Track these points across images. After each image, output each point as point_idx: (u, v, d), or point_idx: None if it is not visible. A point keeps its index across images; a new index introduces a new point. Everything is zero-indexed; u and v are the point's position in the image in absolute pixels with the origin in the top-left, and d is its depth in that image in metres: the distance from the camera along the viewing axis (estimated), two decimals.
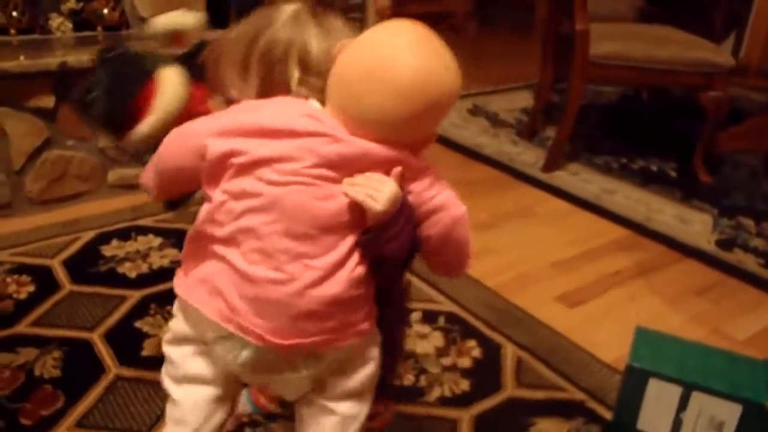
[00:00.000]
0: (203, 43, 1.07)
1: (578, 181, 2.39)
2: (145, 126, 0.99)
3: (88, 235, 1.80)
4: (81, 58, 1.87)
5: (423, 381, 1.35)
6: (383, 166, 0.82)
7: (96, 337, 1.40)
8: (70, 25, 2.13)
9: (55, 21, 2.11)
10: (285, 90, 0.88)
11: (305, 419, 0.92)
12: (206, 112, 0.94)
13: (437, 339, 1.48)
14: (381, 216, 0.80)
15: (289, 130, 0.80)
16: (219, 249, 0.81)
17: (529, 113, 2.94)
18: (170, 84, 1.00)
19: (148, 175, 0.92)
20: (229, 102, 0.92)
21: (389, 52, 0.81)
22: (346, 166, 0.81)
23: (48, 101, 1.87)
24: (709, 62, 2.28)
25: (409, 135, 0.83)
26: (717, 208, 2.22)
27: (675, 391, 1.16)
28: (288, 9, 0.92)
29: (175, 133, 0.88)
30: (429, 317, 1.55)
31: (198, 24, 1.25)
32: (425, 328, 1.51)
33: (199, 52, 1.05)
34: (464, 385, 1.35)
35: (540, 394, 1.34)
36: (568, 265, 1.87)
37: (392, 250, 0.82)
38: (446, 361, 1.41)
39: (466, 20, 4.83)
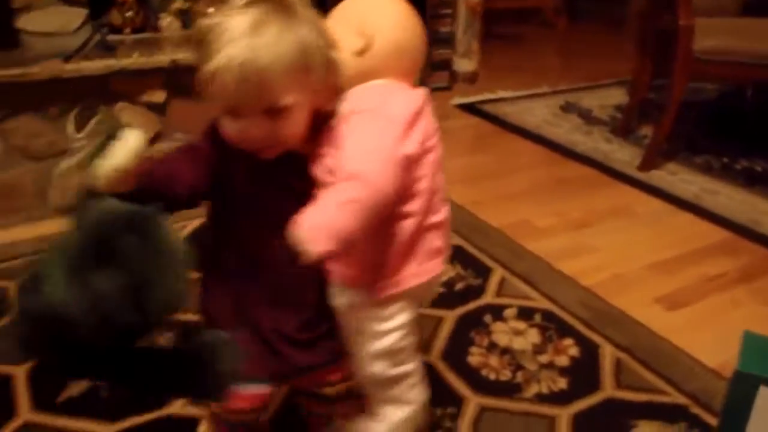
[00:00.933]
0: None
1: (677, 180, 2.32)
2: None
3: (196, 223, 1.89)
4: (189, 55, 1.96)
5: (519, 377, 1.36)
6: None
7: None
8: (179, 24, 2.24)
9: (165, 20, 2.23)
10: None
11: None
12: None
13: (534, 336, 1.48)
14: None
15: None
16: (436, 233, 0.93)
17: (623, 110, 2.87)
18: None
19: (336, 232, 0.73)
20: None
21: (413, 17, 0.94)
22: None
23: (159, 96, 1.98)
24: None
25: None
26: None
27: None
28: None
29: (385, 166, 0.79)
30: (524, 314, 1.55)
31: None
32: (521, 325, 1.52)
33: None
34: (562, 383, 1.35)
35: (641, 397, 1.32)
36: (667, 267, 1.82)
37: None
38: (543, 358, 1.41)
39: (556, 15, 4.75)
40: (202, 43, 0.78)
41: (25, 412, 1.23)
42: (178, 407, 1.24)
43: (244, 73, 0.75)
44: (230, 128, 0.82)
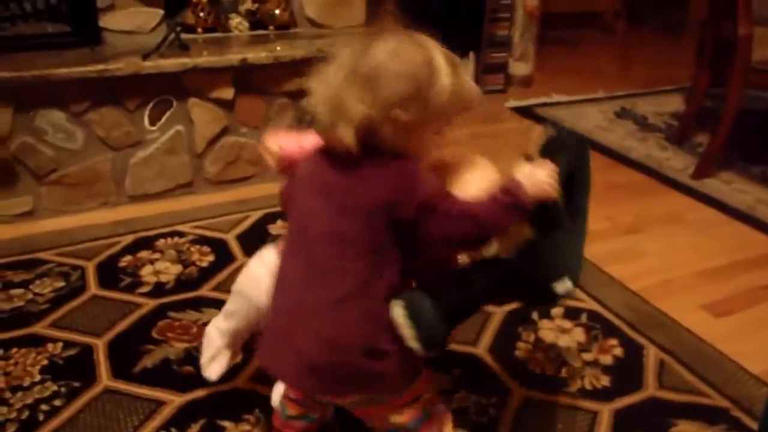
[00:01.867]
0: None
1: (731, 190, 2.32)
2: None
3: (257, 215, 2.00)
4: (259, 54, 2.07)
5: (564, 372, 1.41)
6: None
7: None
8: (247, 24, 2.35)
9: (234, 20, 2.34)
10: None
11: None
12: None
13: (579, 334, 1.53)
14: None
15: None
16: None
17: (679, 118, 2.86)
18: None
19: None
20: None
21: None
22: None
23: (228, 93, 2.09)
24: None
25: None
26: None
27: None
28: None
29: None
30: (571, 313, 1.60)
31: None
32: (567, 323, 1.56)
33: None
34: (605, 380, 1.39)
35: (682, 397, 1.35)
36: (716, 275, 1.84)
37: None
38: (588, 356, 1.46)
39: (615, 19, 4.73)
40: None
41: (105, 379, 1.34)
42: (243, 382, 1.34)
43: None
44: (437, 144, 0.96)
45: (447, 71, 0.89)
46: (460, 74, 0.92)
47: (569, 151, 0.98)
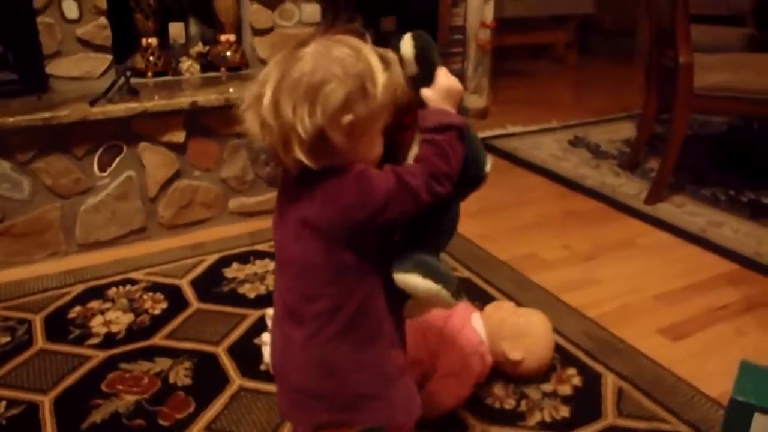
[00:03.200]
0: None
1: (683, 213, 2.36)
2: None
3: (212, 258, 1.97)
4: (209, 97, 2.06)
5: (523, 406, 1.40)
6: None
7: (221, 351, 1.54)
8: (198, 67, 2.35)
9: (185, 63, 2.34)
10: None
11: None
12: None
13: None
14: None
15: None
16: None
17: (631, 144, 2.92)
18: None
19: None
20: None
21: None
22: None
23: (179, 136, 2.07)
24: None
25: None
26: None
27: None
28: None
29: None
30: None
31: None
32: None
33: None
34: (564, 411, 1.38)
35: (642, 425, 1.35)
36: (672, 298, 1.86)
37: None
38: (546, 387, 1.45)
39: (567, 50, 4.85)
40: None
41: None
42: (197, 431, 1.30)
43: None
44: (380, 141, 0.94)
45: (380, 67, 0.88)
46: (393, 69, 0.91)
47: (431, 45, 1.00)
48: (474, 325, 1.46)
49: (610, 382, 1.47)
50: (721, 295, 1.88)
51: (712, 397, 1.43)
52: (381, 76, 0.87)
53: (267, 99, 0.85)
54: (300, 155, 0.85)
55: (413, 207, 0.91)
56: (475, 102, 3.43)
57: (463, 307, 1.53)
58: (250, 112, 0.88)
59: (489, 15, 3.32)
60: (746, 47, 2.86)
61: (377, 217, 0.89)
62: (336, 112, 0.85)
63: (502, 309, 1.50)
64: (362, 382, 0.95)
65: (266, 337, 1.48)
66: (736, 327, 1.73)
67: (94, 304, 1.72)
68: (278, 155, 0.88)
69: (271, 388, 1.41)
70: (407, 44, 0.98)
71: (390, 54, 0.92)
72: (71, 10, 2.00)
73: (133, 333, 1.61)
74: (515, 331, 1.44)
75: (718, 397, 1.43)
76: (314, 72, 0.85)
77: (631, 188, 2.58)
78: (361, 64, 0.86)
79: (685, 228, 2.24)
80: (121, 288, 1.80)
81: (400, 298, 0.99)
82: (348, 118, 0.86)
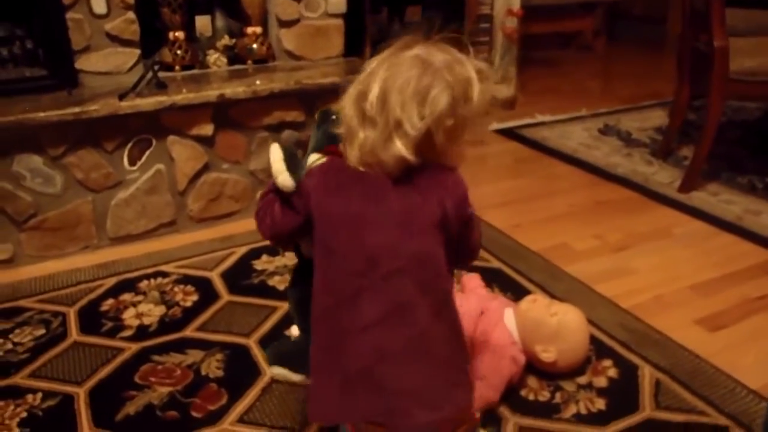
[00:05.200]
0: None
1: (719, 201, 2.31)
2: None
3: (242, 251, 1.97)
4: (236, 90, 2.06)
5: (558, 398, 1.38)
6: None
7: (252, 343, 1.54)
8: (225, 60, 2.35)
9: (212, 57, 2.34)
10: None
11: None
12: None
13: None
14: None
15: None
16: None
17: (663, 132, 2.86)
18: None
19: None
20: None
21: None
22: None
23: (208, 129, 2.07)
24: None
25: None
26: None
27: None
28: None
29: None
30: None
31: None
32: None
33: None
34: (600, 404, 1.36)
35: (680, 417, 1.32)
36: (709, 289, 1.81)
37: None
38: (582, 379, 1.43)
39: (595, 38, 4.77)
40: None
41: (86, 429, 1.30)
42: (229, 424, 1.30)
43: None
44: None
45: (476, 77, 0.93)
46: (486, 79, 0.95)
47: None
48: (507, 322, 1.44)
49: (647, 374, 1.44)
50: (759, 285, 1.83)
51: (753, 389, 1.40)
52: (478, 86, 0.92)
53: (374, 95, 0.91)
54: (402, 150, 0.89)
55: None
56: (503, 92, 3.38)
57: (498, 301, 1.51)
58: (352, 107, 0.94)
59: (516, 3, 3.27)
60: None
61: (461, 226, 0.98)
62: (443, 114, 0.90)
63: (536, 305, 1.47)
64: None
65: (295, 329, 1.48)
66: None
67: (126, 297, 1.74)
68: (370, 152, 0.92)
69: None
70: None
71: (483, 66, 0.95)
72: (99, 6, 2.01)
73: (165, 325, 1.62)
74: (548, 332, 1.40)
75: (759, 389, 1.40)
76: (422, 76, 0.90)
77: (664, 177, 2.52)
78: (464, 72, 0.92)
79: (721, 217, 2.19)
80: (152, 281, 1.81)
81: None
82: (449, 121, 0.90)
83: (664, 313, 1.69)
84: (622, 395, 1.38)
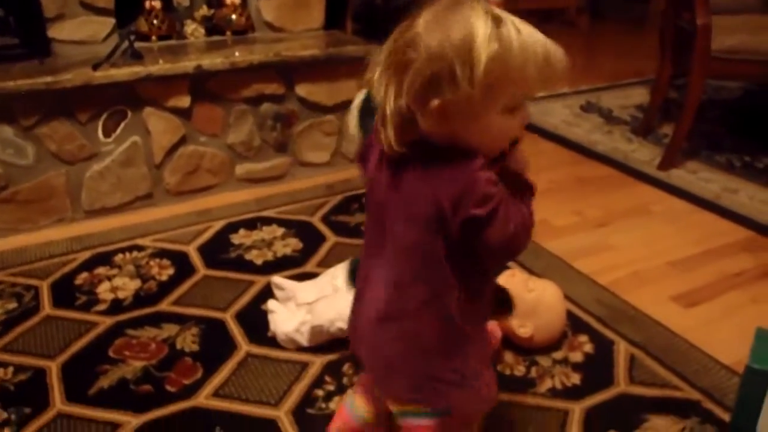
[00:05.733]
0: None
1: (697, 179, 2.32)
2: None
3: (219, 225, 1.95)
4: (214, 61, 2.02)
5: (533, 372, 1.38)
6: None
7: (228, 317, 1.53)
8: (203, 31, 2.30)
9: (190, 27, 2.29)
10: None
11: None
12: None
13: None
14: None
15: None
16: None
17: (644, 110, 2.87)
18: None
19: None
20: None
21: None
22: None
23: (185, 101, 2.03)
24: None
25: None
26: None
27: None
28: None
29: None
30: None
31: None
32: None
33: None
34: (575, 378, 1.37)
35: (654, 392, 1.33)
36: (686, 265, 1.83)
37: None
38: (558, 354, 1.43)
39: (578, 14, 4.74)
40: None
41: (59, 403, 1.28)
42: (203, 399, 1.29)
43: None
44: (511, 125, 0.83)
45: (487, 33, 0.75)
46: (518, 31, 0.79)
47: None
48: None
49: (622, 349, 1.45)
50: (735, 262, 1.85)
51: (726, 364, 1.41)
52: (484, 46, 0.75)
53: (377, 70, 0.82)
54: (390, 137, 0.80)
55: None
56: None
57: None
58: (382, 76, 0.82)
59: None
60: (766, 8, 2.78)
61: (465, 228, 0.85)
62: (418, 92, 0.78)
63: (514, 280, 1.46)
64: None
65: (272, 304, 1.47)
66: (751, 294, 1.70)
67: (101, 271, 1.71)
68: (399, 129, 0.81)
69: (279, 354, 1.40)
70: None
71: (510, 16, 0.82)
72: None
73: (140, 299, 1.60)
74: (524, 308, 1.41)
75: (732, 364, 1.41)
76: (410, 47, 0.78)
77: (644, 154, 2.53)
78: (461, 35, 0.76)
79: (700, 194, 2.20)
80: (127, 254, 1.79)
81: None
82: (432, 100, 0.78)
83: (642, 289, 1.70)
84: (597, 370, 1.39)
